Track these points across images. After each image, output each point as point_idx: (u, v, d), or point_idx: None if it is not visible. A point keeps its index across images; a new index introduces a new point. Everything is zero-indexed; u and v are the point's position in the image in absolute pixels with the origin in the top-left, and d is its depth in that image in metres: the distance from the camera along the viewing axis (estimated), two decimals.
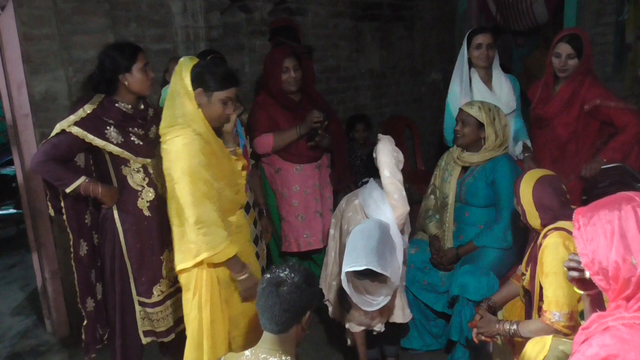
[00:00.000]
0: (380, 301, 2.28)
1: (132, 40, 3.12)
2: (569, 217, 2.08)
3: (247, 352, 1.69)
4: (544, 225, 2.08)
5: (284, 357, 1.64)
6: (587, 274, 1.27)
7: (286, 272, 1.70)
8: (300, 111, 3.05)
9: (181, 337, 2.70)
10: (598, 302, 1.42)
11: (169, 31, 3.41)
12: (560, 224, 2.02)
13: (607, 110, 2.88)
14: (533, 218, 2.11)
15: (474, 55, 3.05)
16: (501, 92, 3.06)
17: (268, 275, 1.72)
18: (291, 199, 3.07)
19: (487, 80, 3.10)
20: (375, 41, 4.90)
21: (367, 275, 2.15)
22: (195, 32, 3.51)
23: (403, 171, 2.46)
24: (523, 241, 2.42)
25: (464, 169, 2.83)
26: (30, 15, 2.82)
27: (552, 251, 1.96)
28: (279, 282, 1.67)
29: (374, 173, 2.48)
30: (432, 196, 3.00)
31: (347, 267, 2.14)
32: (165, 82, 3.25)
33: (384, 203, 2.37)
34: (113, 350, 2.51)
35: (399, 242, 2.31)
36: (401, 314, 2.55)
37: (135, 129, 2.37)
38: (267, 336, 1.69)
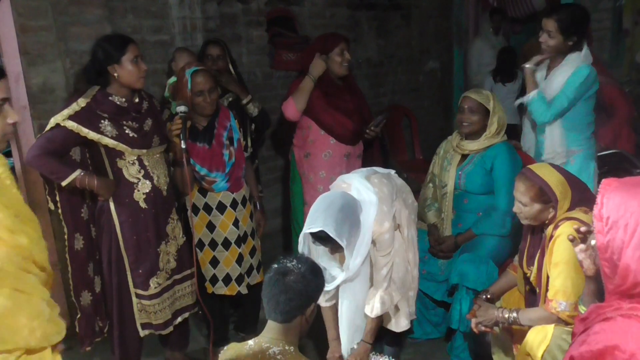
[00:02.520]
0: (332, 284, 2.24)
1: (129, 31, 3.10)
2: (590, 201, 2.08)
3: (250, 342, 1.70)
4: (573, 205, 2.01)
5: (287, 347, 1.65)
6: (593, 242, 1.23)
7: (294, 263, 1.71)
8: (336, 99, 3.02)
9: (182, 329, 2.72)
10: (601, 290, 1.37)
11: (166, 22, 3.38)
12: (572, 213, 2.00)
13: (605, 90, 2.92)
14: (565, 199, 2.01)
15: None
16: (551, 85, 2.74)
17: (275, 265, 1.73)
18: (316, 184, 3.06)
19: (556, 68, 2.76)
20: (372, 30, 4.88)
21: (324, 241, 2.09)
22: (192, 23, 3.48)
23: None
24: (521, 229, 2.43)
25: (463, 157, 2.83)
26: (26, 7, 2.80)
27: (565, 240, 1.93)
28: (286, 271, 1.68)
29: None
30: (431, 184, 3.00)
31: (305, 229, 2.12)
32: (172, 72, 3.23)
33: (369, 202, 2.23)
34: (113, 343, 2.52)
35: (366, 230, 2.18)
36: (394, 323, 2.45)
37: (130, 122, 2.36)
38: (271, 325, 1.70)
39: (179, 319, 2.61)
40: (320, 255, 2.27)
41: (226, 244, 2.75)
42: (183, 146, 2.46)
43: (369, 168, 2.51)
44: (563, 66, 2.69)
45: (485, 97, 2.72)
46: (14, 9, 2.78)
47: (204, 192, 2.73)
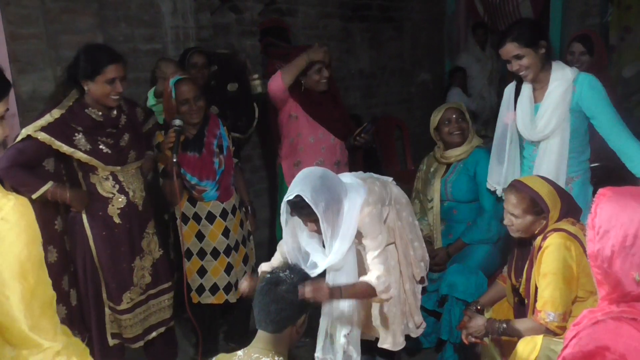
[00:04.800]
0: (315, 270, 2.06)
1: (121, 40, 3.10)
2: (577, 211, 2.09)
3: (239, 352, 1.69)
4: (561, 217, 2.03)
5: (276, 358, 1.64)
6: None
7: (286, 273, 1.72)
8: (321, 107, 2.99)
9: (168, 340, 2.69)
10: None
11: (158, 31, 3.38)
12: (560, 224, 2.02)
13: None
14: (555, 210, 2.02)
15: None
16: (545, 112, 2.41)
17: (269, 275, 1.74)
18: None
19: (541, 94, 2.44)
20: (364, 42, 4.92)
21: (300, 209, 1.99)
22: (185, 32, 3.49)
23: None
24: (510, 239, 2.44)
25: (446, 168, 2.88)
26: (17, 15, 2.79)
27: (553, 251, 1.96)
28: (278, 281, 1.69)
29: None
30: (416, 201, 3.04)
31: (284, 199, 2.04)
32: (155, 81, 3.22)
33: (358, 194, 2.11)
34: (94, 355, 2.48)
35: (351, 217, 2.06)
36: (391, 341, 2.35)
37: (105, 138, 2.31)
38: (261, 335, 1.70)
39: (154, 334, 2.56)
40: (305, 239, 2.15)
41: (215, 253, 2.74)
42: (174, 159, 2.45)
43: (366, 173, 2.40)
44: (554, 84, 2.39)
45: (461, 106, 2.87)
46: (5, 16, 2.77)
47: (193, 201, 2.72)
